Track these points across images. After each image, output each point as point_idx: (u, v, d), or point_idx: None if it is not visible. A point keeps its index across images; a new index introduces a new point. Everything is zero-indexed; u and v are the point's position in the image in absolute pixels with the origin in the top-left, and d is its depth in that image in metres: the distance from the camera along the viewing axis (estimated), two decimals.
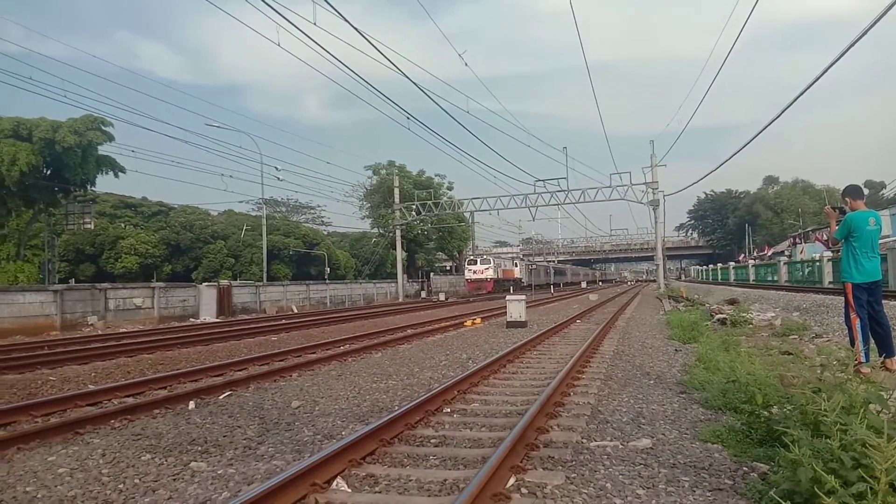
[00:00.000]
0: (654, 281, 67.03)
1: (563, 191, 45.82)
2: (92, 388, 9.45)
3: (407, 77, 18.91)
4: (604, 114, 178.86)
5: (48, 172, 32.13)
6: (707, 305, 24.22)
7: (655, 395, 7.97)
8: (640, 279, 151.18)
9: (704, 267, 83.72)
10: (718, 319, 17.05)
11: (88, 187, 35.14)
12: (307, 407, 7.94)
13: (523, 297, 20.03)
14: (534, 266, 77.29)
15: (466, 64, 24.85)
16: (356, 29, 15.05)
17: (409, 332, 17.84)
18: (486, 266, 57.72)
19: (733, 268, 54.01)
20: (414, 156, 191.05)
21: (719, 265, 68.61)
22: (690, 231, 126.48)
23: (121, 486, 4.95)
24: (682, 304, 29.44)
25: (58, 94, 23.82)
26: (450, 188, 65.53)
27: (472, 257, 62.11)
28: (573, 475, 4.81)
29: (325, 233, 66.95)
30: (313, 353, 13.53)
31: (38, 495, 4.78)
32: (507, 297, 20.16)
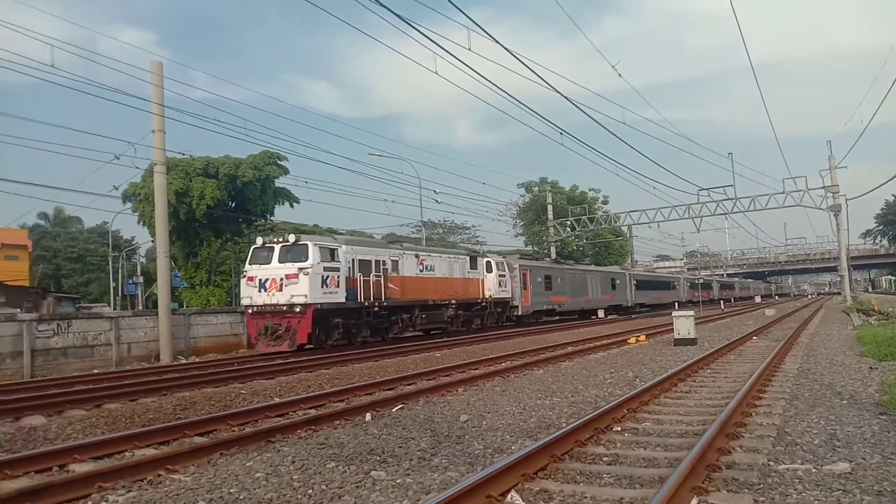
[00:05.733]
0: (839, 293, 61.13)
1: (730, 199, 43.12)
2: (278, 400, 10.24)
3: (559, 92, 18.80)
4: (773, 115, 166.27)
5: (233, 205, 35.45)
6: None
7: (850, 417, 7.29)
8: (822, 292, 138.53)
9: None
10: None
11: (268, 217, 38.31)
12: (475, 421, 8.08)
13: (692, 312, 19.10)
14: (549, 271, 36.91)
15: (620, 75, 24.22)
16: (508, 50, 15.25)
17: (570, 349, 17.59)
18: (299, 266, 18.58)
19: None
20: (567, 171, 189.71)
21: None
22: (879, 238, 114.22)
23: (310, 491, 5.32)
24: (874, 317, 26.58)
25: (240, 132, 26.34)
26: (605, 202, 63.86)
27: (260, 243, 20.01)
28: (762, 499, 4.52)
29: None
30: (476, 369, 13.75)
31: (241, 497, 5.26)
32: (674, 314, 19.22)
